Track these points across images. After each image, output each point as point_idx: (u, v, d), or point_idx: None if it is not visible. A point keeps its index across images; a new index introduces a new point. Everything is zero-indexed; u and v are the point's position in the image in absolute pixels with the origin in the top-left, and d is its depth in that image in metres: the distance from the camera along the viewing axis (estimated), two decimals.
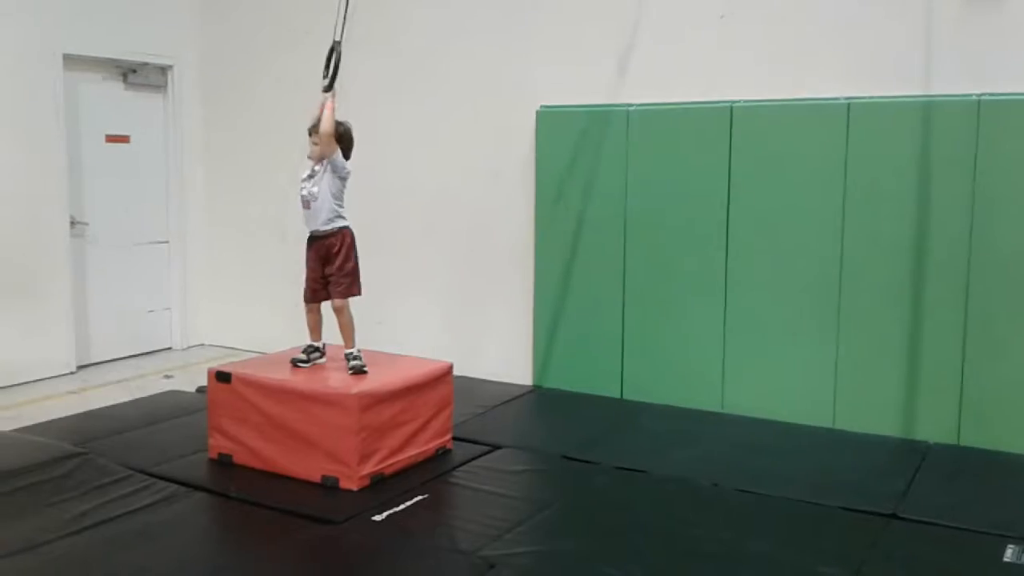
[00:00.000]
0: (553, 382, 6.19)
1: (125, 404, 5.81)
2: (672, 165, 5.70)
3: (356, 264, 4.73)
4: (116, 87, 7.41)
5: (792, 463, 4.69)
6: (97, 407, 5.73)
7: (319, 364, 4.77)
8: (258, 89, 7.53)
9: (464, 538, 3.74)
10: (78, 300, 7.08)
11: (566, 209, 6.05)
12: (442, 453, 4.75)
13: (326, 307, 4.77)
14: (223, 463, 4.57)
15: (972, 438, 4.94)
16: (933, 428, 5.04)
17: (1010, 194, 4.82)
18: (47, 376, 6.77)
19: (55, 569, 3.45)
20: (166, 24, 7.60)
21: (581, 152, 5.98)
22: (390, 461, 4.42)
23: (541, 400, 6.00)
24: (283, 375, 4.58)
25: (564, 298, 6.13)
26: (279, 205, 6.90)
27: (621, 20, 5.92)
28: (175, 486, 4.24)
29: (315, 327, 4.81)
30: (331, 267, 4.69)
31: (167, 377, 6.91)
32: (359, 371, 4.58)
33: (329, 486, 4.27)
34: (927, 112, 4.98)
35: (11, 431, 5.09)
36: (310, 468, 4.33)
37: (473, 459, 4.70)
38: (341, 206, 4.68)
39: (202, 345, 7.99)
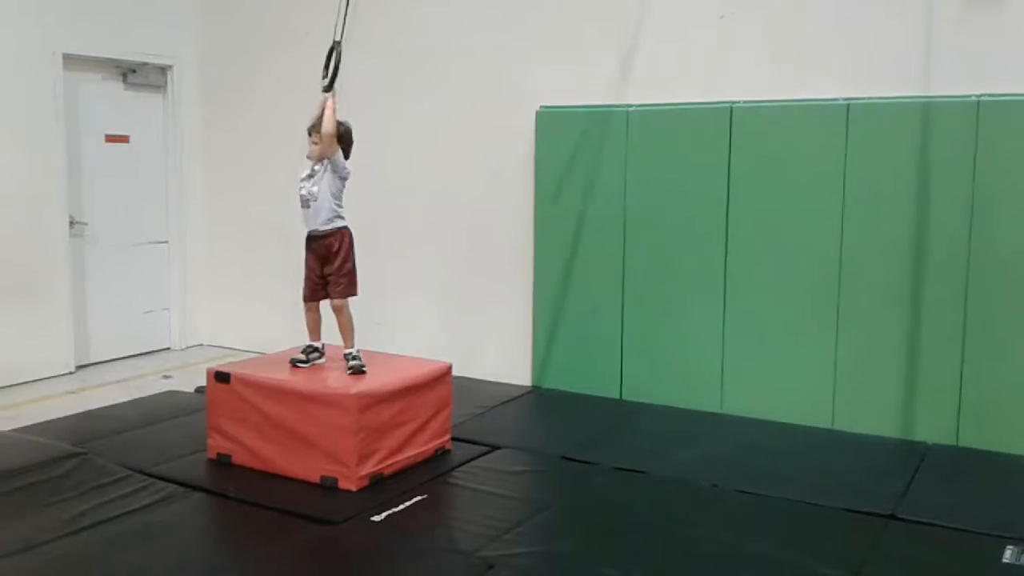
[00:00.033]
0: (552, 383, 6.19)
1: (124, 404, 5.81)
2: (672, 165, 5.70)
3: (354, 264, 4.73)
4: (116, 87, 7.41)
5: (791, 464, 4.69)
6: (96, 407, 5.73)
7: (318, 364, 4.77)
8: (258, 89, 7.53)
9: (463, 539, 3.74)
10: (77, 300, 7.08)
11: (563, 208, 6.04)
12: (441, 453, 4.75)
13: (325, 307, 4.77)
14: (222, 463, 4.57)
15: (971, 439, 4.93)
16: (932, 429, 5.04)
17: (1010, 195, 4.82)
18: (46, 376, 6.77)
19: (54, 569, 3.45)
20: (166, 24, 7.60)
21: (581, 152, 5.98)
22: (389, 461, 4.42)
23: (540, 401, 6.00)
24: (282, 375, 4.58)
25: (563, 298, 6.13)
26: (279, 205, 6.89)
27: (621, 20, 5.92)
28: (174, 486, 4.23)
29: (314, 327, 4.81)
30: (330, 267, 4.69)
31: (166, 377, 6.91)
32: (358, 371, 4.58)
33: (328, 486, 4.27)
34: (927, 113, 4.98)
35: (10, 431, 5.09)
36: (309, 468, 4.32)
37: (472, 459, 4.70)
38: (340, 206, 4.68)
39: (201, 345, 7.99)
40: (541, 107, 6.14)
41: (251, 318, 7.65)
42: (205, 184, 7.94)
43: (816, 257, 5.30)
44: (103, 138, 7.30)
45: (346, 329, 4.71)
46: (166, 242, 7.81)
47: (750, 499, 4.22)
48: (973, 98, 4.87)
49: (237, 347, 7.61)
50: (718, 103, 5.54)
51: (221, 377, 4.59)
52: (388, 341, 5.81)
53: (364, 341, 4.85)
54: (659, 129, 5.74)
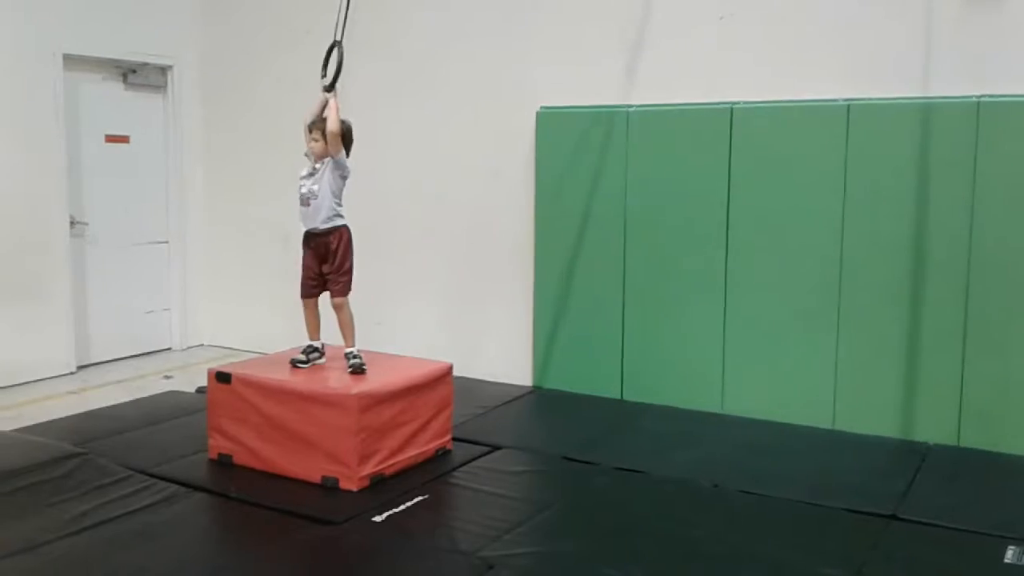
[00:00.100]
0: (553, 383, 6.19)
1: (125, 404, 5.82)
2: (672, 166, 5.70)
3: (353, 262, 4.73)
4: (116, 87, 7.41)
5: (792, 464, 4.69)
6: (97, 407, 5.73)
7: (318, 364, 4.77)
8: (258, 89, 7.53)
9: (464, 539, 3.74)
10: (78, 300, 7.08)
11: (563, 208, 6.04)
12: (442, 454, 4.75)
13: (325, 306, 4.77)
14: (223, 463, 4.57)
15: (972, 439, 4.94)
16: (933, 429, 5.04)
17: (1010, 195, 4.82)
18: (47, 376, 6.77)
19: (55, 569, 3.45)
20: (166, 24, 7.60)
21: (581, 153, 5.98)
22: (390, 462, 4.42)
23: (541, 401, 6.00)
24: (283, 375, 4.58)
25: (564, 299, 6.13)
26: (279, 205, 6.89)
27: (621, 21, 5.92)
28: (175, 486, 4.24)
29: (314, 326, 4.81)
30: (329, 265, 4.69)
31: (167, 377, 6.91)
32: (358, 370, 4.58)
33: (329, 487, 4.27)
34: (927, 113, 4.99)
35: (11, 431, 5.09)
36: (310, 469, 4.32)
37: (473, 460, 4.70)
38: (340, 204, 4.68)
39: (202, 345, 7.99)
40: (542, 108, 6.14)
41: (252, 318, 7.65)
42: (205, 184, 7.94)
43: (817, 257, 5.31)
44: (103, 138, 7.30)
45: (346, 328, 4.71)
46: (166, 242, 7.81)
47: (751, 499, 4.22)
48: (973, 99, 4.88)
49: (238, 347, 7.61)
50: (718, 103, 5.54)
51: (222, 377, 4.59)
52: (389, 341, 5.81)
53: (364, 341, 4.85)
54: (660, 129, 5.74)
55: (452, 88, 6.60)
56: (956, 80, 4.99)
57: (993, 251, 4.87)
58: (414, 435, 4.56)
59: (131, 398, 6.04)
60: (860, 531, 3.85)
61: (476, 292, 6.62)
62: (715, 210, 5.56)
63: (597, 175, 5.94)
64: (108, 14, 7.13)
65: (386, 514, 3.98)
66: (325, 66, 4.77)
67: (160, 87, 7.68)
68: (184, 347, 7.90)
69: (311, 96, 4.77)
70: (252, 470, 4.47)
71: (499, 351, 6.47)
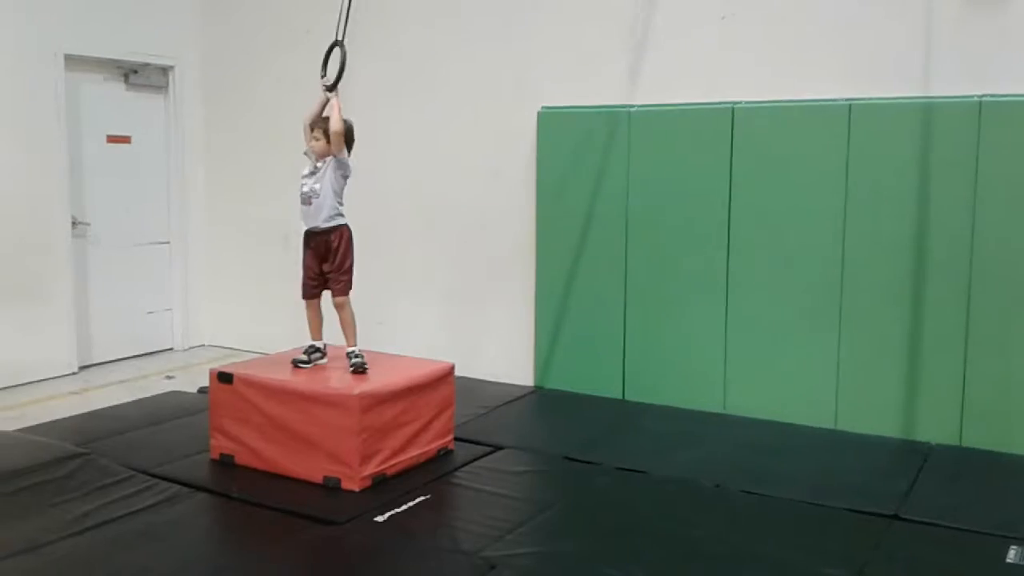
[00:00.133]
0: (555, 383, 6.19)
1: (127, 405, 5.82)
2: (673, 166, 5.70)
3: (354, 261, 4.73)
4: (117, 88, 7.41)
5: (794, 464, 4.69)
6: (99, 407, 5.74)
7: (320, 365, 4.77)
8: (259, 90, 7.53)
9: (466, 539, 3.74)
10: (80, 300, 7.09)
11: (565, 208, 6.04)
12: (444, 454, 4.75)
13: (327, 306, 4.78)
14: (225, 464, 4.58)
15: (974, 439, 4.93)
16: (935, 429, 5.04)
17: (1012, 195, 4.81)
18: (49, 376, 6.78)
19: (57, 570, 3.45)
20: (167, 25, 7.61)
21: (583, 153, 5.98)
22: (392, 462, 4.42)
23: (543, 401, 6.00)
24: (284, 376, 4.58)
25: (566, 299, 6.13)
26: (280, 205, 6.89)
27: (623, 21, 5.92)
28: (177, 487, 4.24)
29: (315, 325, 4.82)
30: (330, 264, 4.69)
31: (169, 378, 6.91)
32: (360, 368, 4.58)
33: (331, 487, 4.27)
34: (929, 113, 4.98)
35: (14, 431, 5.10)
36: (312, 469, 4.33)
37: (475, 460, 4.70)
38: (341, 203, 4.69)
39: (203, 346, 7.99)
40: (543, 108, 6.14)
41: (253, 318, 7.65)
42: (207, 184, 7.95)
43: (818, 257, 5.30)
44: (105, 139, 7.31)
45: (348, 326, 4.72)
46: (168, 242, 7.81)
47: (753, 499, 4.22)
48: (975, 98, 4.87)
49: (239, 347, 7.61)
50: (720, 103, 5.54)
51: (224, 378, 4.59)
52: (390, 341, 5.82)
53: (366, 341, 4.85)
54: (661, 129, 5.74)
55: (453, 88, 6.60)
56: (958, 80, 4.99)
57: (995, 251, 4.86)
58: (416, 435, 4.56)
59: (133, 398, 6.04)
60: (862, 531, 3.85)
61: (477, 292, 6.62)
62: (716, 210, 5.56)
63: (598, 175, 5.94)
64: (109, 14, 7.14)
65: (388, 514, 3.98)
66: (325, 65, 4.78)
67: (161, 87, 7.68)
68: (186, 347, 7.91)
69: (312, 96, 4.78)
70: (254, 470, 4.48)
71: (500, 351, 6.47)
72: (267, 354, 5.60)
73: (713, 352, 5.64)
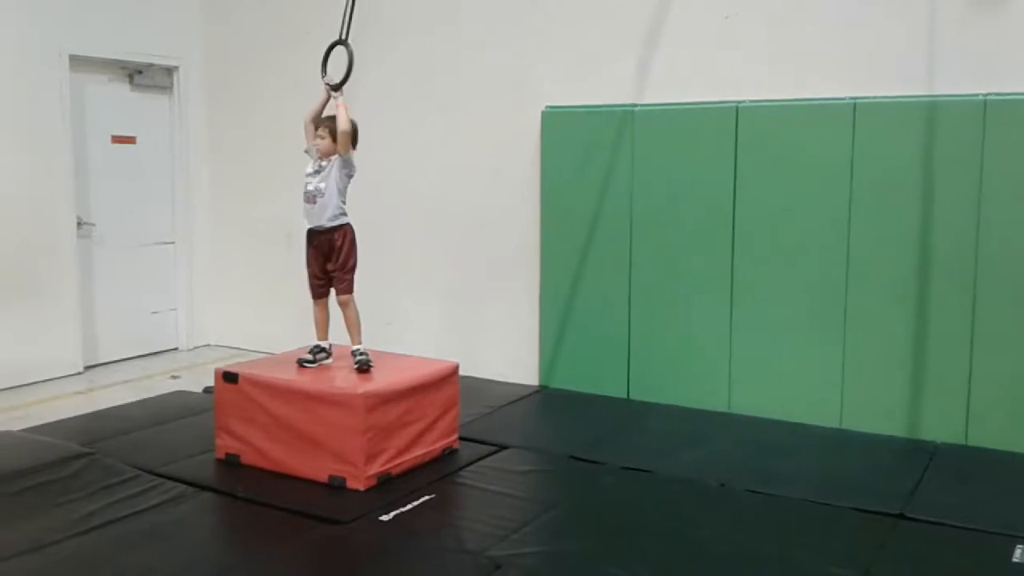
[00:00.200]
0: (560, 382, 6.19)
1: (132, 404, 5.83)
2: (678, 165, 5.69)
3: (356, 260, 4.74)
4: (122, 88, 7.43)
5: (799, 463, 4.68)
6: (104, 407, 5.75)
7: (325, 364, 4.77)
8: (264, 89, 7.54)
9: (471, 538, 3.74)
10: (85, 300, 7.10)
11: (569, 208, 6.04)
12: (449, 453, 4.75)
13: (333, 305, 4.78)
14: (230, 463, 4.58)
15: (980, 438, 4.92)
16: (940, 428, 5.03)
17: (1017, 193, 4.80)
18: (55, 376, 6.79)
19: (62, 569, 3.45)
20: (171, 25, 7.62)
21: (587, 152, 5.98)
22: (397, 461, 4.42)
23: (547, 400, 6.00)
24: (290, 375, 4.58)
25: (571, 298, 6.13)
26: (285, 205, 6.90)
27: (626, 20, 5.92)
28: (182, 486, 4.25)
29: (322, 325, 4.82)
30: (334, 263, 4.70)
31: (174, 377, 6.92)
32: (364, 366, 4.59)
33: (336, 486, 4.27)
34: (933, 112, 4.97)
35: (19, 431, 5.11)
36: (317, 468, 4.33)
37: (480, 459, 4.70)
38: (345, 203, 4.69)
39: (208, 345, 8.00)
40: (547, 107, 6.14)
41: (258, 318, 7.66)
42: (211, 185, 7.96)
43: (823, 256, 5.30)
44: (110, 139, 7.32)
45: (353, 325, 4.72)
46: (173, 243, 7.82)
47: (758, 499, 4.22)
48: (980, 97, 4.86)
49: (244, 347, 7.62)
50: (724, 103, 5.53)
51: (229, 377, 4.60)
52: (395, 341, 5.82)
53: (371, 341, 4.85)
54: (665, 129, 5.73)
55: (457, 89, 6.60)
56: (961, 79, 4.98)
57: (1000, 249, 4.85)
58: (421, 434, 4.57)
59: (138, 398, 6.05)
60: (867, 530, 3.84)
61: (482, 292, 6.62)
62: (721, 209, 5.56)
63: (603, 174, 5.93)
64: (114, 15, 7.15)
65: (393, 513, 3.98)
66: (324, 65, 4.78)
67: (166, 88, 7.69)
68: (191, 347, 7.92)
69: (317, 95, 4.78)
70: (259, 470, 4.48)
71: (505, 350, 6.47)
72: (272, 354, 5.61)
73: (718, 351, 5.64)
